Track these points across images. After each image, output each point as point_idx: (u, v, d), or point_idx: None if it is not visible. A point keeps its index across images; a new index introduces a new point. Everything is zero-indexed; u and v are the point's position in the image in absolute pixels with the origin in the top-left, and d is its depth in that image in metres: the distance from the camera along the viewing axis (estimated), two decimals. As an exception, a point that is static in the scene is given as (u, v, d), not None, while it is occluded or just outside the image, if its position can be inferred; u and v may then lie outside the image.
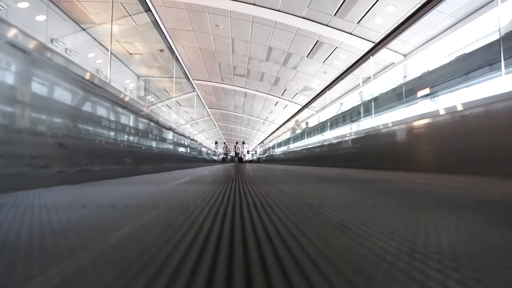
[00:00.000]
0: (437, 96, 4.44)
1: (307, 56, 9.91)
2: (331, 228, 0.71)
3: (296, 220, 0.80)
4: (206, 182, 2.26)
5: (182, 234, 0.64)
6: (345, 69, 7.32)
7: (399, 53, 7.99)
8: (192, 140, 8.11)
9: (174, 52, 7.62)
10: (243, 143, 19.50)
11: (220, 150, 19.61)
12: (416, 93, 4.79)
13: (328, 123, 8.27)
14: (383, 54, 7.53)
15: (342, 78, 7.31)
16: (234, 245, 0.57)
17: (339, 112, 8.81)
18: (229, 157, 19.94)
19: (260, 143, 24.49)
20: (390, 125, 4.13)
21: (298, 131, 12.04)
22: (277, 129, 16.44)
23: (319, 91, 9.64)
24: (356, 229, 0.69)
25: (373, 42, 7.52)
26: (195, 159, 8.38)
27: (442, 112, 3.05)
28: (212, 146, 17.73)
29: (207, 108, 15.60)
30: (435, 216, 0.87)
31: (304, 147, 9.70)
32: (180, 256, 0.50)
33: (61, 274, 0.42)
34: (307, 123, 11.57)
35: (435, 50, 7.15)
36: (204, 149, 11.03)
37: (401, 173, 2.94)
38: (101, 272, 0.44)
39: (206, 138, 21.25)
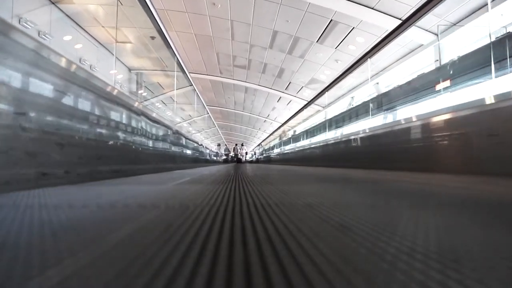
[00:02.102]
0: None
1: (317, 41, 8.48)
2: (331, 228, 0.71)
3: (296, 220, 0.80)
4: (206, 182, 2.27)
5: (182, 234, 0.64)
6: (363, 53, 6.19)
7: (431, 32, 6.42)
8: (196, 143, 8.16)
9: (167, 39, 6.30)
10: (242, 145, 20.71)
11: (222, 151, 20.85)
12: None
13: (330, 123, 8.12)
14: (411, 34, 6.10)
15: (360, 64, 6.25)
16: (234, 245, 0.57)
17: (346, 108, 8.32)
18: (229, 157, 21.03)
19: (259, 144, 24.73)
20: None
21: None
22: (278, 128, 16.37)
23: (328, 84, 8.44)
24: (356, 229, 0.69)
25: (399, 19, 6.23)
26: (196, 159, 8.41)
27: None
28: (214, 147, 18.65)
29: (205, 104, 15.11)
30: (434, 216, 0.87)
31: (300, 149, 9.68)
32: (180, 256, 0.50)
33: (61, 274, 0.42)
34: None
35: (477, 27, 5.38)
36: (205, 150, 11.07)
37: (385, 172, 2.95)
38: (101, 272, 0.43)
39: (205, 137, 21.48)
